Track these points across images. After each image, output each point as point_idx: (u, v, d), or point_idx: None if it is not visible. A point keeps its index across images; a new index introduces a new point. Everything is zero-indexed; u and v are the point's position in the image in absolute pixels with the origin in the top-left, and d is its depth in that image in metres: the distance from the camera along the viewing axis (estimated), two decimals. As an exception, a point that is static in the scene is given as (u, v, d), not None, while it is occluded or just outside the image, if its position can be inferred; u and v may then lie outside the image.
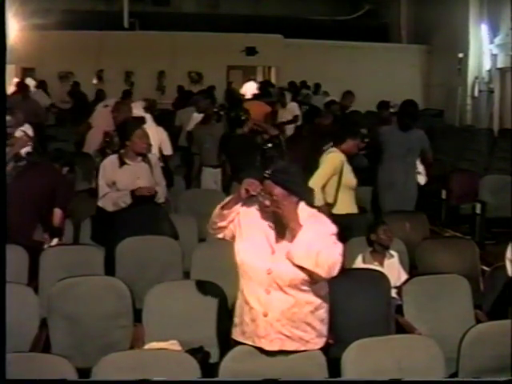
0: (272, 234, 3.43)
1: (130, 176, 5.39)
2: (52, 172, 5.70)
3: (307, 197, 3.47)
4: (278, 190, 3.33)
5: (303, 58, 17.13)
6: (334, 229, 3.40)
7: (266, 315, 3.40)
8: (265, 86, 13.41)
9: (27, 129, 6.16)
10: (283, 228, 3.41)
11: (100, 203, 5.45)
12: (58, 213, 5.50)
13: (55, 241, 5.52)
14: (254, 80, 16.25)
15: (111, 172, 5.41)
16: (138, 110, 7.29)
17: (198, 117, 8.56)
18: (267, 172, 3.37)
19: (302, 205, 3.42)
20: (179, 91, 14.62)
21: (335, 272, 3.30)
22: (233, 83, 17.07)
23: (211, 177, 7.62)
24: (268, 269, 3.38)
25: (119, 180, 5.38)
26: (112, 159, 5.49)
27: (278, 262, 3.37)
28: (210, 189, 7.40)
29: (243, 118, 7.63)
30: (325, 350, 3.49)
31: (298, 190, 3.37)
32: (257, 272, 3.42)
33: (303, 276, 3.34)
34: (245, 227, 3.50)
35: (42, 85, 14.29)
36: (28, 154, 5.78)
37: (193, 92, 13.00)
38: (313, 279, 3.34)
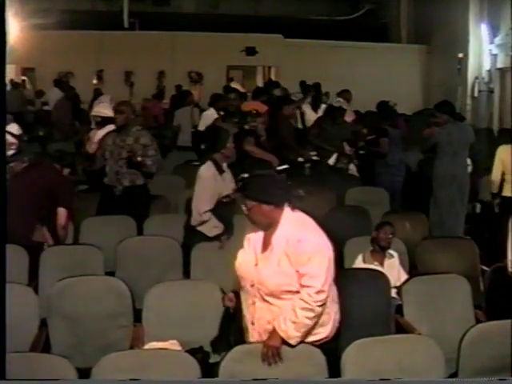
0: (259, 244, 3.48)
1: (229, 183, 5.30)
2: (52, 172, 5.69)
3: (281, 202, 3.41)
4: (248, 202, 3.40)
5: (303, 57, 17.11)
6: (313, 239, 3.35)
7: (253, 324, 3.49)
8: (266, 86, 13.43)
9: (12, 128, 6.00)
10: (268, 238, 3.45)
11: (201, 228, 5.25)
12: (62, 212, 5.48)
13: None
14: (233, 80, 16.36)
15: (215, 182, 5.23)
16: (107, 110, 7.27)
17: (208, 115, 8.51)
18: (238, 185, 3.43)
19: (287, 212, 3.42)
20: (177, 90, 14.60)
21: (319, 300, 3.31)
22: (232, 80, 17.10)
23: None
24: (251, 280, 3.44)
25: (224, 189, 5.26)
26: (209, 169, 5.23)
27: (259, 274, 3.41)
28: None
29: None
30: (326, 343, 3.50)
31: (270, 199, 3.37)
32: (244, 283, 3.50)
33: (284, 287, 3.36)
34: (245, 236, 3.58)
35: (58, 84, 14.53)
36: (13, 155, 5.73)
37: (190, 91, 12.99)
38: (295, 288, 3.35)
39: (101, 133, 7.07)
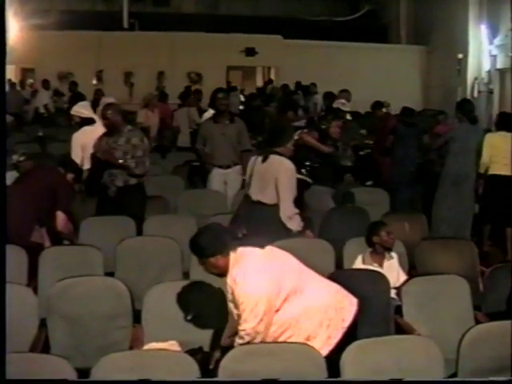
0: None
1: None
2: (55, 174, 5.70)
3: (222, 249, 3.58)
4: (199, 260, 3.69)
5: (303, 58, 17.12)
6: (240, 283, 3.51)
7: None
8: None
9: None
10: None
11: (290, 225, 5.25)
12: (60, 216, 5.51)
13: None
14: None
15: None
16: (86, 110, 7.24)
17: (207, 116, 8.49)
18: None
19: (231, 256, 3.58)
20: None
21: (242, 330, 3.54)
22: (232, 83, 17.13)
23: (220, 177, 7.39)
24: None
25: None
26: (291, 163, 5.35)
27: None
28: (210, 189, 7.37)
29: None
30: None
31: (211, 252, 3.58)
32: None
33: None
34: None
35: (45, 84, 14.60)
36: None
37: (189, 93, 12.99)
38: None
39: (77, 135, 7.03)
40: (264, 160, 5.29)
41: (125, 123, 6.40)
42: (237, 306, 3.57)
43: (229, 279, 3.57)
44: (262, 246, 3.74)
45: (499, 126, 7.64)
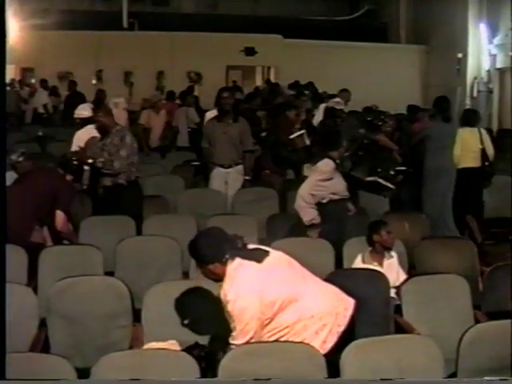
0: None
1: (343, 181, 5.79)
2: (55, 175, 5.70)
3: (221, 258, 3.55)
4: (198, 264, 3.70)
5: (302, 58, 17.11)
6: (231, 295, 3.49)
7: None
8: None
9: None
10: None
11: (302, 215, 5.58)
12: (59, 215, 5.51)
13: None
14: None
15: (333, 177, 5.68)
16: (86, 111, 7.28)
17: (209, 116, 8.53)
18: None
19: (229, 265, 3.55)
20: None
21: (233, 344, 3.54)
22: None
23: (221, 177, 7.38)
24: None
25: (339, 187, 5.72)
26: (330, 164, 5.61)
27: None
28: (210, 189, 7.37)
29: None
30: None
31: (208, 259, 3.57)
32: None
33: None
34: None
35: (43, 83, 14.60)
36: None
37: (189, 92, 12.98)
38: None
39: (80, 133, 7.06)
40: (316, 164, 5.71)
41: (115, 124, 6.41)
42: (230, 318, 3.55)
43: (221, 293, 3.55)
44: None
45: (463, 122, 7.97)
